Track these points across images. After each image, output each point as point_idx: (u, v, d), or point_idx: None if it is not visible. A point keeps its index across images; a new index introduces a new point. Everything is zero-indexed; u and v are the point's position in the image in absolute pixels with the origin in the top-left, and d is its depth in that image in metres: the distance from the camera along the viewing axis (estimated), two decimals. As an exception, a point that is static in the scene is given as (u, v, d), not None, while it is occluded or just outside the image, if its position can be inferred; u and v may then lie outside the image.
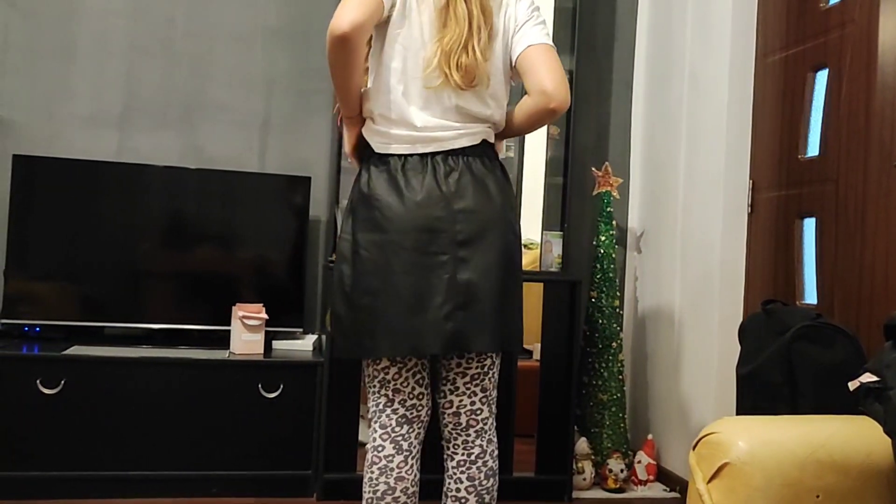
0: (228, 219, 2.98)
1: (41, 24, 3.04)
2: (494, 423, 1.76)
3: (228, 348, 2.81)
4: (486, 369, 1.72)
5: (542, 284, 2.86)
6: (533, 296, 2.81)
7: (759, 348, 2.11)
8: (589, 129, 3.42)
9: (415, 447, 1.71)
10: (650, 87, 3.36)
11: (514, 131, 1.80)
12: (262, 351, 2.80)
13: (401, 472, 1.66)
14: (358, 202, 1.69)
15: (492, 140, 1.76)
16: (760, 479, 1.52)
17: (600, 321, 3.09)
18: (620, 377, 3.08)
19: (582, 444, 2.96)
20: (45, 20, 3.04)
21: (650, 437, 3.06)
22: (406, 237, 1.62)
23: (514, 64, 1.73)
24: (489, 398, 1.74)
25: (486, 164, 1.71)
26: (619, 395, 3.07)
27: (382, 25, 1.66)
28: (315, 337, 3.03)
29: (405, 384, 1.70)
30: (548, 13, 3.04)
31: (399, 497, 1.66)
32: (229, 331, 2.82)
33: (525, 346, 2.88)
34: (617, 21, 3.47)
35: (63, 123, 3.05)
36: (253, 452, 2.67)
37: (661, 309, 3.15)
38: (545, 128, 3.07)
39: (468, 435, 1.70)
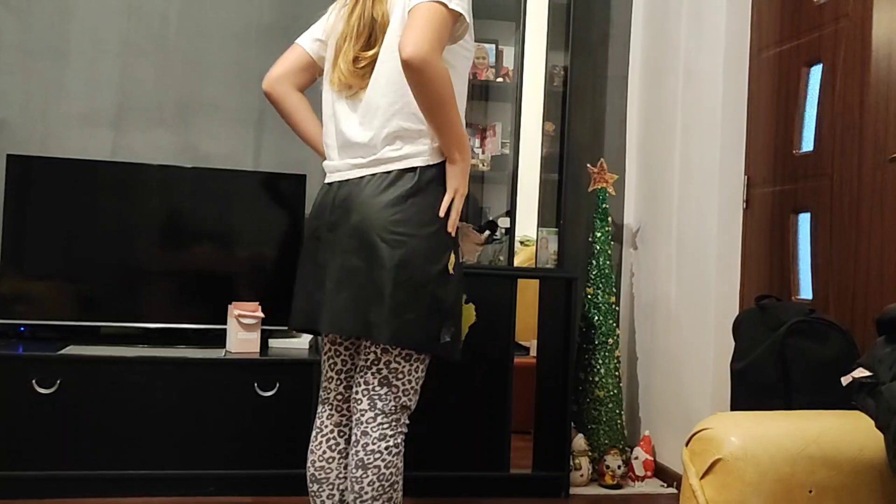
0: (224, 217, 2.98)
1: (34, 23, 3.04)
2: (382, 420, 1.67)
3: (224, 347, 2.81)
4: (369, 363, 1.69)
5: (538, 281, 2.86)
6: (529, 292, 2.81)
7: (752, 344, 2.11)
8: (584, 125, 3.42)
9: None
10: (645, 82, 3.36)
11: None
12: (258, 349, 2.80)
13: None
14: None
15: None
16: (753, 474, 1.52)
17: (596, 317, 3.09)
18: (617, 373, 3.08)
19: (579, 441, 2.96)
20: (38, 19, 3.04)
21: (647, 433, 3.07)
22: None
23: None
24: (371, 392, 1.68)
25: None
26: (615, 391, 3.07)
27: None
28: (311, 335, 3.03)
29: None
30: (542, 9, 3.03)
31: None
32: (225, 329, 2.83)
33: (522, 342, 2.88)
34: (612, 16, 3.47)
35: (57, 122, 3.05)
36: (249, 451, 2.67)
37: (657, 305, 3.15)
38: (540, 124, 3.06)
39: (352, 423, 1.71)
